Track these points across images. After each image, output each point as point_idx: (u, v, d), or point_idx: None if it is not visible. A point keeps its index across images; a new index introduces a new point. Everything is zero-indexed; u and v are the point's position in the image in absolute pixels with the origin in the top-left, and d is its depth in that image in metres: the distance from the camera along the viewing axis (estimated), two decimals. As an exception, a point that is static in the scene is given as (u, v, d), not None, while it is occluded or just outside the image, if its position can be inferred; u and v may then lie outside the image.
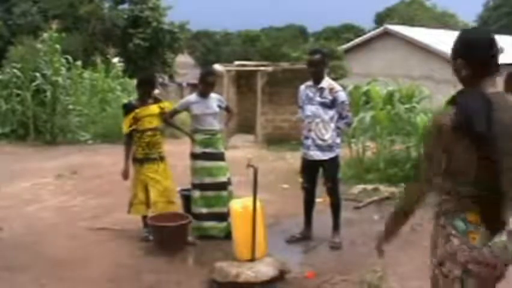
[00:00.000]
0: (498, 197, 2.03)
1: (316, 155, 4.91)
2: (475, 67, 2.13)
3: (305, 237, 5.16)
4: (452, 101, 2.11)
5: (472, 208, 2.05)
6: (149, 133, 5.06)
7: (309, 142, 4.93)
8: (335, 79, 8.06)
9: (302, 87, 5.12)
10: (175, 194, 5.35)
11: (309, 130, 4.92)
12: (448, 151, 2.09)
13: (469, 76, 2.15)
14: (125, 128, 5.07)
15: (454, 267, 2.09)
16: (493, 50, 2.16)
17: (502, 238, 2.07)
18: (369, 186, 7.12)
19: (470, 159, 2.03)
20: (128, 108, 5.13)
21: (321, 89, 4.90)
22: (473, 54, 2.14)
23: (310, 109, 4.93)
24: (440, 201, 2.19)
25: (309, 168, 5.07)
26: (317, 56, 4.93)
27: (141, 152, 5.06)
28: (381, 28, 21.62)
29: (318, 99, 4.90)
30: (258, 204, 4.19)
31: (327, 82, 4.94)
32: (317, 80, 4.93)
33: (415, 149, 7.45)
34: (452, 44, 2.25)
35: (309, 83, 5.03)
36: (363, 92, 8.61)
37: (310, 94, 4.96)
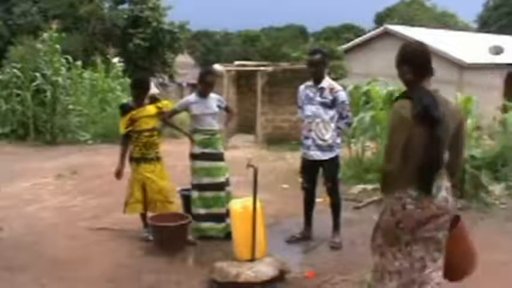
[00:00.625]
0: (439, 166, 2.68)
1: (317, 155, 4.91)
2: (417, 71, 2.76)
3: (305, 237, 5.16)
4: (404, 97, 2.73)
5: (419, 178, 2.66)
6: (146, 134, 5.06)
7: (309, 142, 4.93)
8: (335, 79, 8.06)
9: (302, 87, 5.12)
10: (173, 194, 5.35)
11: (309, 130, 4.92)
12: (408, 137, 2.63)
13: (412, 78, 2.77)
14: (122, 129, 5.08)
15: (408, 224, 2.72)
16: (429, 58, 2.80)
17: (442, 193, 2.73)
18: (369, 186, 7.12)
19: (423, 141, 2.61)
20: (125, 109, 5.13)
21: (322, 89, 4.90)
22: (415, 62, 2.77)
23: (310, 109, 4.92)
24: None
25: (309, 168, 5.07)
26: (317, 56, 4.93)
27: (138, 151, 5.06)
28: (381, 28, 21.63)
29: (318, 99, 4.90)
30: (258, 204, 4.19)
31: (327, 82, 4.94)
32: (317, 80, 4.93)
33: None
34: (397, 54, 2.83)
35: (309, 83, 5.03)
36: (363, 92, 8.60)
37: (311, 94, 4.96)
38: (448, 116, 2.69)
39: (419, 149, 2.63)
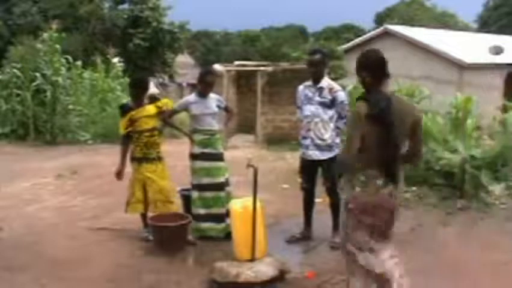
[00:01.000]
0: (390, 161, 3.07)
1: (315, 154, 4.90)
2: (375, 76, 3.12)
3: (305, 237, 5.15)
4: (362, 98, 3.09)
5: (371, 167, 3.07)
6: (147, 134, 5.06)
7: (307, 142, 4.93)
8: (334, 79, 8.02)
9: (301, 87, 5.12)
10: (174, 194, 5.35)
11: (308, 130, 4.91)
12: (363, 133, 3.02)
13: (372, 82, 3.13)
14: (122, 130, 5.08)
15: (355, 206, 3.13)
16: (386, 64, 3.15)
17: (389, 187, 3.09)
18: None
19: (377, 138, 3.00)
20: (124, 109, 5.13)
21: (321, 89, 4.90)
22: (373, 67, 3.14)
23: (309, 109, 4.92)
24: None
25: (308, 168, 5.06)
26: (317, 56, 4.93)
27: (139, 151, 5.06)
28: (381, 28, 21.58)
29: (317, 98, 4.90)
30: (258, 204, 4.19)
31: (326, 82, 4.94)
32: (317, 79, 4.93)
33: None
34: (356, 62, 3.20)
35: (308, 82, 5.03)
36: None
37: (310, 94, 4.96)
38: (403, 115, 3.07)
39: (372, 145, 3.03)
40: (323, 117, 4.85)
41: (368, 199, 3.09)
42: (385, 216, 3.14)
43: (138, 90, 5.11)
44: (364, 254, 3.16)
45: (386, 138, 2.99)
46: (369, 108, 3.00)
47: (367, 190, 3.08)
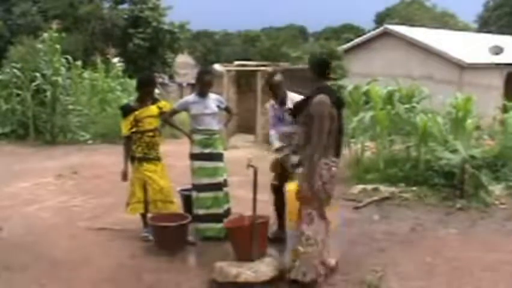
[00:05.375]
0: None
1: (293, 159, 4.82)
2: (320, 74, 4.14)
3: (279, 238, 5.10)
4: (319, 92, 3.96)
5: (332, 151, 4.01)
6: (149, 134, 5.07)
7: (286, 151, 4.97)
8: (334, 79, 8.00)
9: (269, 107, 5.12)
10: (173, 193, 5.36)
11: (289, 144, 4.92)
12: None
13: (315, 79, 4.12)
14: (125, 130, 5.07)
15: (332, 183, 4.03)
16: (330, 64, 4.31)
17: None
18: (369, 186, 7.12)
19: (335, 124, 3.98)
20: (126, 110, 5.13)
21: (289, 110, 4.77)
22: (318, 68, 4.15)
23: (283, 129, 4.95)
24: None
25: (283, 168, 5.08)
26: (277, 77, 4.91)
27: (140, 151, 5.07)
28: (381, 28, 21.57)
29: (288, 119, 4.82)
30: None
31: (289, 100, 4.86)
32: (282, 101, 4.90)
33: (415, 149, 7.46)
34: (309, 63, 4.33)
35: (275, 104, 5.01)
36: (363, 92, 8.60)
37: (280, 115, 4.95)
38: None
39: (333, 129, 3.96)
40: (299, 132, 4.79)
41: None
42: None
43: (147, 89, 5.13)
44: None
45: (339, 124, 4.03)
46: (330, 98, 3.93)
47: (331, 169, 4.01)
